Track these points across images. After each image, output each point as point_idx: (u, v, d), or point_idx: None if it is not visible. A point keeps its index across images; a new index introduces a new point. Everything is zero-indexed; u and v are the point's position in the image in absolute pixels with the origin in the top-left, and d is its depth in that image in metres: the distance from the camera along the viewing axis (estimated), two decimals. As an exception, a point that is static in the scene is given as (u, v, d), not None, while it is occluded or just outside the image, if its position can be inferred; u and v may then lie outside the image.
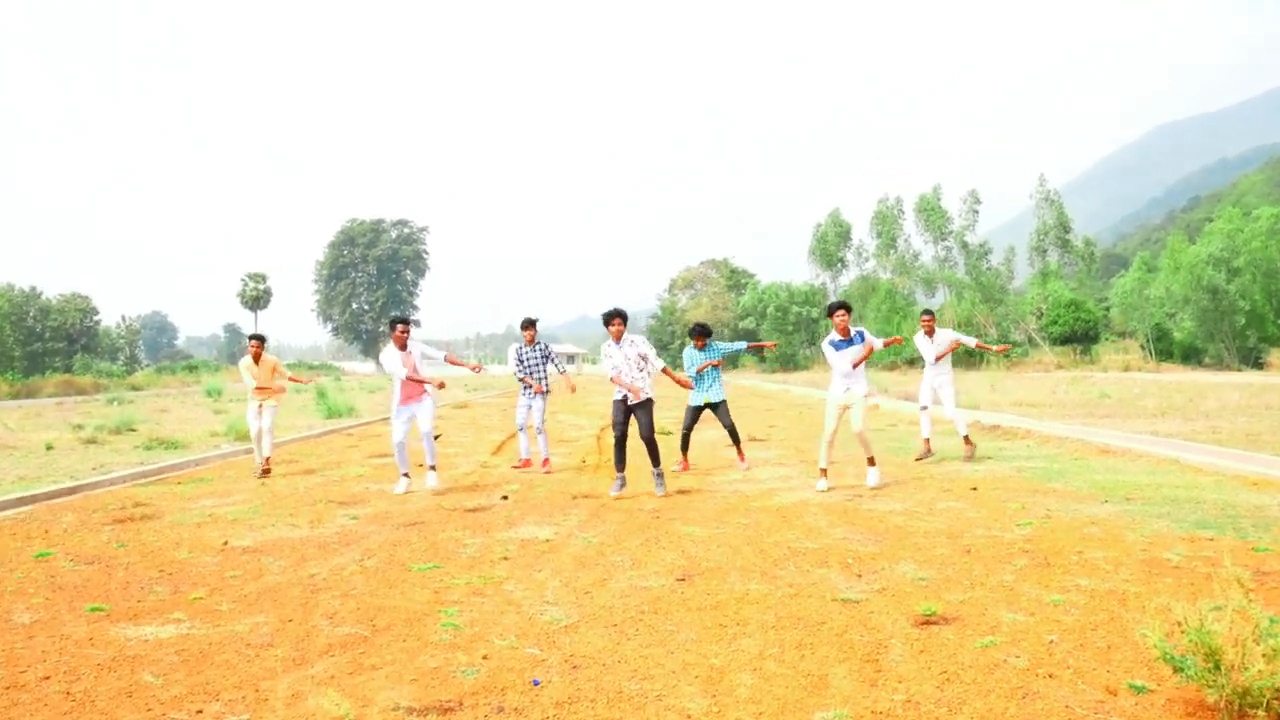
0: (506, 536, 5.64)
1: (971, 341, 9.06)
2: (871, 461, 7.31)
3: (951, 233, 51.99)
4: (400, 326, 7.52)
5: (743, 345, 9.14)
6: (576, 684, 3.14)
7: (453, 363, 7.70)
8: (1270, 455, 7.95)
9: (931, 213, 51.74)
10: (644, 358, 7.14)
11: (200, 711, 2.99)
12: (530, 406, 8.86)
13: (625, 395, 7.14)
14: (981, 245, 51.99)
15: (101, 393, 31.22)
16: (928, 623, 3.71)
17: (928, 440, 9.05)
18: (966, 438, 8.92)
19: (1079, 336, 41.55)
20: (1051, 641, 3.44)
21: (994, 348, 9.57)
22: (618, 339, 7.14)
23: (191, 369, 51.33)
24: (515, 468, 8.80)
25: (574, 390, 8.71)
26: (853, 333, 7.19)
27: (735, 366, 65.46)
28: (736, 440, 8.75)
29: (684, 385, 7.73)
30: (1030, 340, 46.43)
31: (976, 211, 51.67)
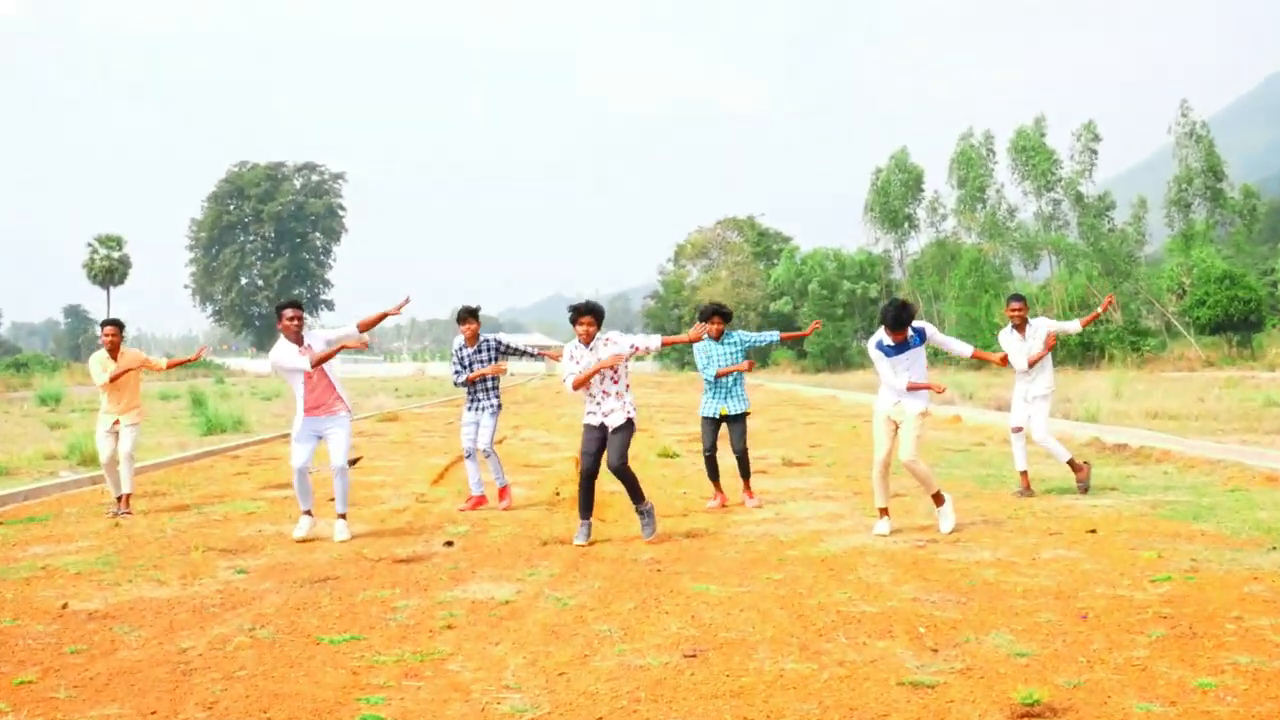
0: (451, 597, 5.63)
1: (1075, 326, 9.09)
2: (938, 500, 7.34)
3: (1060, 181, 52.12)
4: (288, 312, 7.54)
5: (775, 335, 9.16)
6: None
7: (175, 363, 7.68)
8: None
9: (1033, 153, 51.84)
10: (625, 359, 7.15)
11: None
12: (478, 424, 8.87)
13: (601, 419, 7.18)
14: (1101, 198, 52.14)
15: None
16: (1029, 715, 3.71)
17: (1025, 474, 9.10)
18: (1072, 462, 8.96)
19: (1236, 323, 41.60)
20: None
21: (1095, 311, 9.54)
22: (587, 340, 7.15)
23: (19, 367, 51.24)
24: (464, 509, 8.79)
25: (503, 372, 8.84)
26: (911, 332, 7.22)
27: (765, 364, 65.63)
28: (746, 471, 8.76)
29: (692, 339, 7.80)
30: (1169, 328, 46.64)
31: (1094, 151, 51.77)
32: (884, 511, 7.35)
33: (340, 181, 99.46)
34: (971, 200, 55.03)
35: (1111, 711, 3.73)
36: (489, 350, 8.96)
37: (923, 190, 60.20)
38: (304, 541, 7.38)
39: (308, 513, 7.61)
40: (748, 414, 8.69)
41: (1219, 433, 13.24)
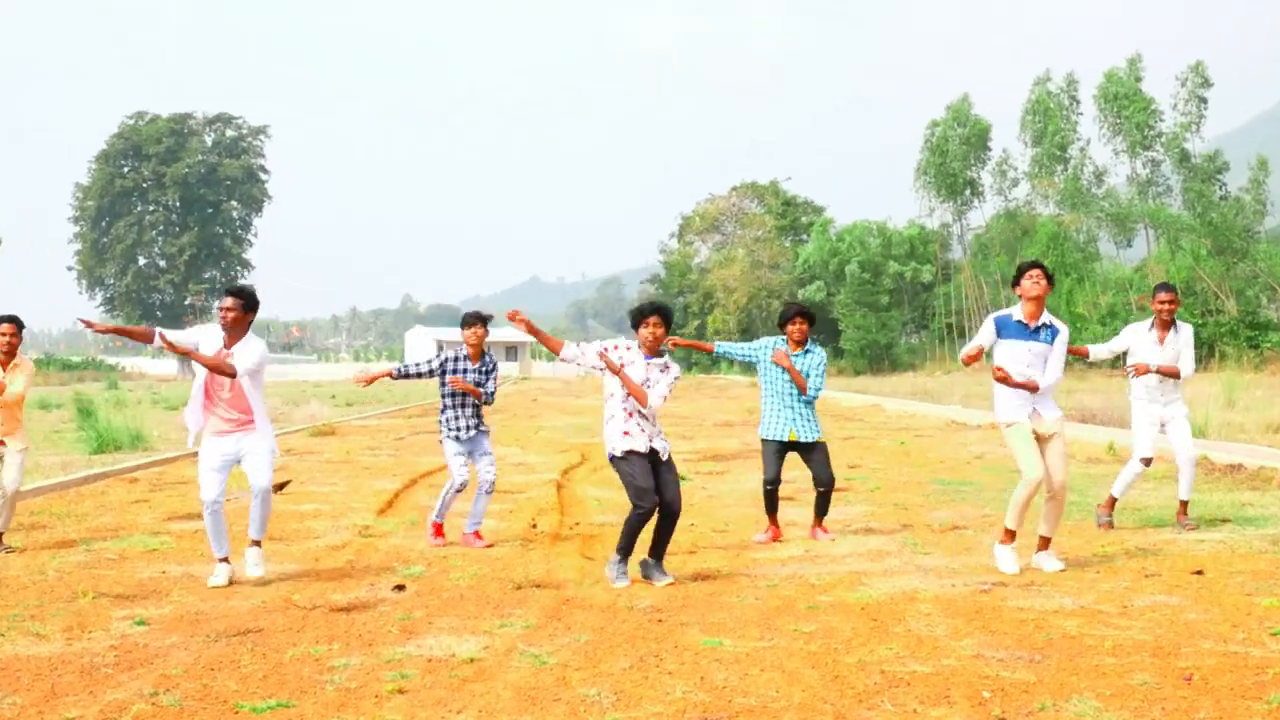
0: (402, 653, 5.64)
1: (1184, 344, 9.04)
2: (1048, 542, 7.50)
3: (1160, 137, 52.23)
4: (231, 301, 7.53)
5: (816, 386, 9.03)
6: None
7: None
8: None
9: (1126, 103, 51.95)
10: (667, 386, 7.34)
11: None
12: (470, 452, 8.97)
13: (648, 442, 7.23)
14: (1211, 158, 52.26)
15: None
16: (1119, 799, 3.72)
17: (1114, 500, 9.16)
18: (1186, 505, 9.03)
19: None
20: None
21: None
22: (652, 348, 7.30)
23: None
24: (435, 544, 8.87)
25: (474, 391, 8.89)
26: (1044, 322, 7.38)
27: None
28: (825, 507, 8.96)
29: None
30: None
31: (1203, 100, 51.88)
32: (1011, 536, 7.41)
33: (262, 138, 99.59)
34: (1049, 161, 55.18)
35: (1221, 795, 3.74)
36: (488, 372, 9.03)
37: (988, 149, 60.34)
38: (222, 588, 7.38)
39: (225, 560, 7.61)
40: (823, 443, 8.87)
41: (1356, 450, 13.26)
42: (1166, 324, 8.96)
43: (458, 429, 8.93)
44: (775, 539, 8.87)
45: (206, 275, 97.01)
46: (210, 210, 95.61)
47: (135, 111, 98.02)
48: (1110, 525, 9.02)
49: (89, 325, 7.74)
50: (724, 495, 11.74)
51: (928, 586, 6.97)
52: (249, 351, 7.48)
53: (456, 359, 9.02)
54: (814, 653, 5.51)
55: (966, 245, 64.18)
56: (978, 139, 59.57)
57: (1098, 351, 9.42)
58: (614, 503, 10.87)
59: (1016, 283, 7.46)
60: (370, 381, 9.10)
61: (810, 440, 8.77)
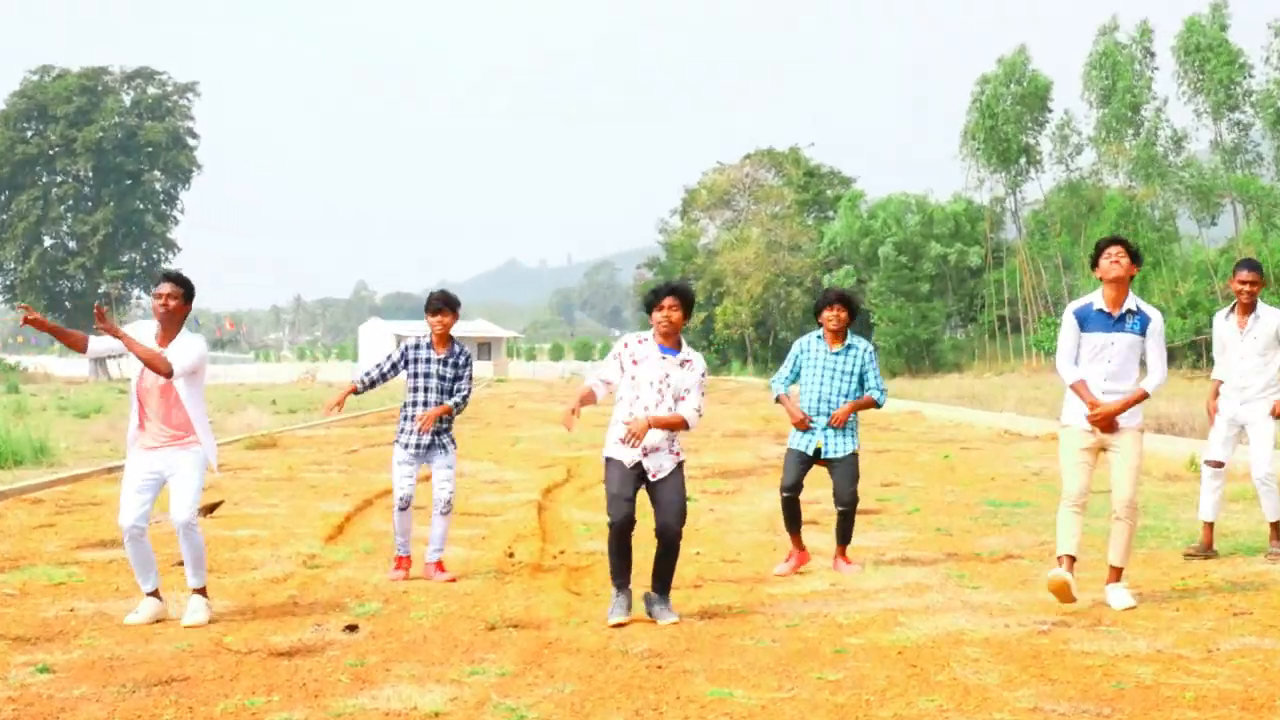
0: (354, 706, 5.63)
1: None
2: (1119, 573, 7.48)
3: (1250, 96, 52.24)
4: (170, 287, 7.52)
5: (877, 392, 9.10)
6: None
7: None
8: None
9: (1209, 55, 51.97)
10: (687, 390, 7.37)
11: None
12: (419, 464, 8.94)
13: (639, 455, 7.31)
14: (1310, 120, 52.21)
15: None
16: None
17: (1210, 527, 9.16)
18: (1278, 525, 9.01)
19: None
20: None
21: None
22: (667, 335, 7.35)
23: None
24: (394, 578, 8.86)
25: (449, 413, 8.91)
26: (1129, 308, 7.42)
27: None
28: (847, 532, 8.98)
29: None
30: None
31: (1301, 52, 51.85)
32: (1065, 562, 7.40)
33: (190, 96, 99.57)
34: (1118, 124, 55.16)
35: None
36: (459, 366, 8.99)
37: (1048, 110, 60.27)
38: (144, 626, 7.36)
39: (152, 594, 7.59)
40: (855, 455, 8.90)
41: None
42: (1248, 307, 9.01)
43: (412, 436, 8.91)
44: (801, 565, 8.89)
45: (124, 259, 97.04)
46: (129, 182, 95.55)
47: (39, 65, 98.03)
48: (1207, 553, 8.96)
49: (30, 321, 7.54)
50: (735, 519, 11.74)
51: (976, 626, 6.96)
52: (187, 349, 7.49)
53: (418, 346, 8.98)
54: (841, 705, 5.49)
55: (1022, 223, 64.13)
56: (1035, 98, 59.48)
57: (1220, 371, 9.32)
58: (604, 528, 10.83)
59: (1095, 264, 7.48)
60: (340, 406, 9.06)
61: (840, 455, 8.81)
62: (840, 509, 8.86)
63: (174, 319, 7.51)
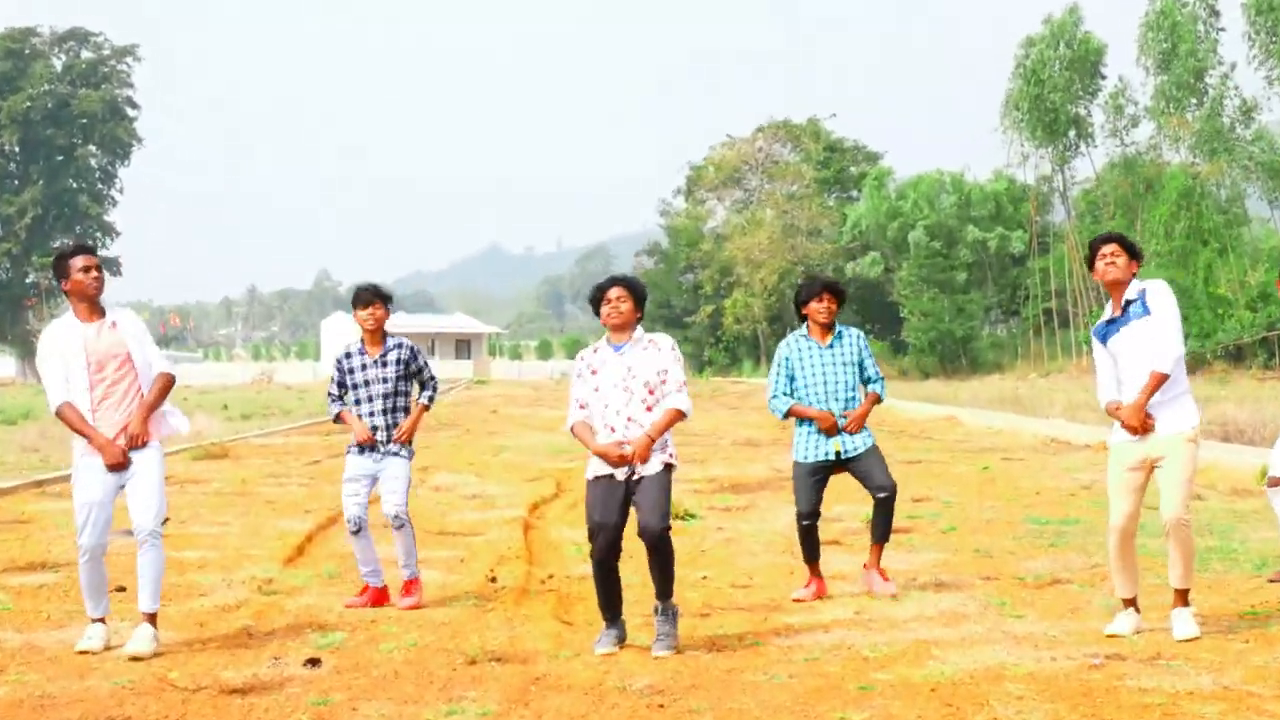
0: (318, 752, 5.62)
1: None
2: (1184, 596, 7.46)
3: (1330, 61, 52.20)
4: (80, 261, 7.50)
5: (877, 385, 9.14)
6: None
7: None
8: None
9: (1283, 14, 51.95)
10: (660, 379, 7.43)
11: None
12: (373, 480, 8.94)
13: (612, 468, 7.35)
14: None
15: None
16: None
17: None
18: None
19: None
20: None
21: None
22: (620, 329, 7.49)
23: None
24: (353, 605, 8.85)
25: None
26: (1128, 298, 7.40)
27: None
28: (885, 530, 9.01)
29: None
30: None
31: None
32: (1129, 605, 7.47)
33: (129, 61, 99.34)
34: (1180, 93, 55.12)
35: None
36: (400, 364, 8.96)
37: (1101, 77, 60.22)
38: (91, 656, 7.36)
39: (100, 621, 7.60)
40: (875, 449, 8.97)
41: None
42: None
43: (359, 449, 8.93)
44: (819, 595, 8.89)
45: (56, 244, 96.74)
46: (60, 158, 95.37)
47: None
48: None
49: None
50: (747, 538, 11.74)
51: (1019, 660, 6.95)
52: (127, 322, 7.51)
53: (348, 355, 9.01)
54: (868, 749, 5.49)
55: (1071, 204, 64.14)
56: (1086, 64, 59.41)
57: None
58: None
59: (1091, 265, 7.50)
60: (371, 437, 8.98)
61: (857, 451, 8.83)
62: (881, 495, 8.84)
63: (96, 297, 7.52)
